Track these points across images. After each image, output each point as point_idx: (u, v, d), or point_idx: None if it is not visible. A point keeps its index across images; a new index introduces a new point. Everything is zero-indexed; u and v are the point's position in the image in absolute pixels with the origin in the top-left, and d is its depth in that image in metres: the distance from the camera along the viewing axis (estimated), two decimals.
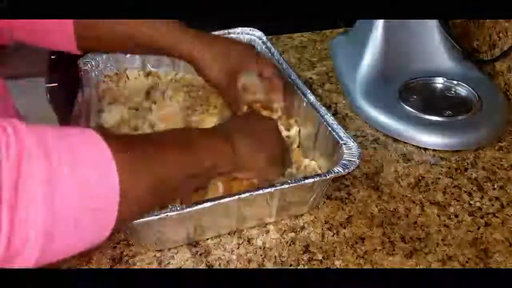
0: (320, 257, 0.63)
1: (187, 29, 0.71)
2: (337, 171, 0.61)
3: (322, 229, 0.66)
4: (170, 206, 0.56)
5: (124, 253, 0.63)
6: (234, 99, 0.72)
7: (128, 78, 0.88)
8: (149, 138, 0.54)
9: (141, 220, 0.55)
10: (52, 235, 0.37)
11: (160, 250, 0.63)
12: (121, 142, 0.45)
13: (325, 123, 0.68)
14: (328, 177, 0.61)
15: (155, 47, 0.71)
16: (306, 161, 0.73)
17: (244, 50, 0.73)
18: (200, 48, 0.70)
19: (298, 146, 0.75)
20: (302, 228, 0.66)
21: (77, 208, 0.38)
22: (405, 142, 0.80)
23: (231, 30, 0.91)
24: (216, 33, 0.90)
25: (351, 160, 0.62)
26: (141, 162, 0.45)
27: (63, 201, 0.37)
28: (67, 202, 0.37)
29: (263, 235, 0.65)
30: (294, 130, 0.76)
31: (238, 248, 0.64)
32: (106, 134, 0.42)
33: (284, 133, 0.73)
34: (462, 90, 0.87)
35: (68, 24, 0.68)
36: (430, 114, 0.81)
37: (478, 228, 0.66)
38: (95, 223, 0.41)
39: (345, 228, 0.66)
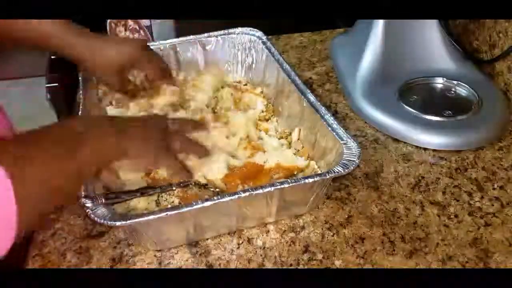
0: (320, 257, 0.63)
1: (77, 29, 0.72)
2: (337, 171, 0.61)
3: (322, 229, 0.66)
4: (170, 206, 0.56)
5: (124, 253, 0.63)
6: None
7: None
8: (34, 144, 0.50)
9: (141, 220, 0.55)
10: None
11: (160, 250, 0.63)
12: (13, 159, 0.45)
13: (325, 123, 0.68)
14: (328, 177, 0.61)
15: (44, 47, 0.72)
16: (306, 161, 0.73)
17: (134, 51, 0.76)
18: (91, 52, 0.72)
19: (303, 146, 0.75)
20: (302, 228, 0.66)
21: None
22: (405, 142, 0.80)
23: (231, 30, 0.91)
24: (216, 33, 0.90)
25: (351, 160, 0.62)
26: (32, 176, 0.46)
27: None
28: None
29: (263, 235, 0.65)
30: (295, 130, 0.76)
31: (238, 248, 0.64)
32: None
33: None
34: (462, 90, 0.87)
35: None
36: (430, 114, 0.81)
37: (478, 228, 0.66)
38: None
39: (345, 228, 0.66)
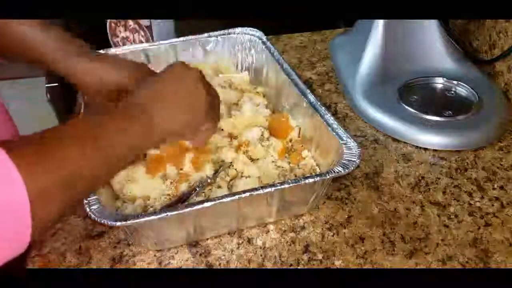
0: (320, 257, 0.63)
1: (76, 50, 0.66)
2: (337, 171, 0.61)
3: (322, 229, 0.66)
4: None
5: (124, 253, 0.63)
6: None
7: None
8: (48, 137, 0.47)
9: (141, 220, 0.55)
10: None
11: (160, 250, 0.63)
12: (26, 152, 0.43)
13: (325, 123, 0.68)
14: (328, 177, 0.61)
15: (36, 60, 0.66)
16: (306, 161, 0.73)
17: (132, 72, 0.67)
18: (83, 71, 0.66)
19: (302, 145, 0.75)
20: (302, 228, 0.66)
21: None
22: (405, 142, 0.80)
23: (231, 30, 0.91)
24: (216, 33, 0.90)
25: (351, 160, 0.62)
26: (44, 164, 0.43)
27: None
28: None
29: (263, 235, 0.65)
30: (295, 129, 0.76)
31: (238, 248, 0.64)
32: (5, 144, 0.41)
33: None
34: (462, 90, 0.87)
35: None
36: (430, 114, 0.81)
37: (478, 228, 0.66)
38: (9, 232, 0.40)
39: (345, 228, 0.66)
